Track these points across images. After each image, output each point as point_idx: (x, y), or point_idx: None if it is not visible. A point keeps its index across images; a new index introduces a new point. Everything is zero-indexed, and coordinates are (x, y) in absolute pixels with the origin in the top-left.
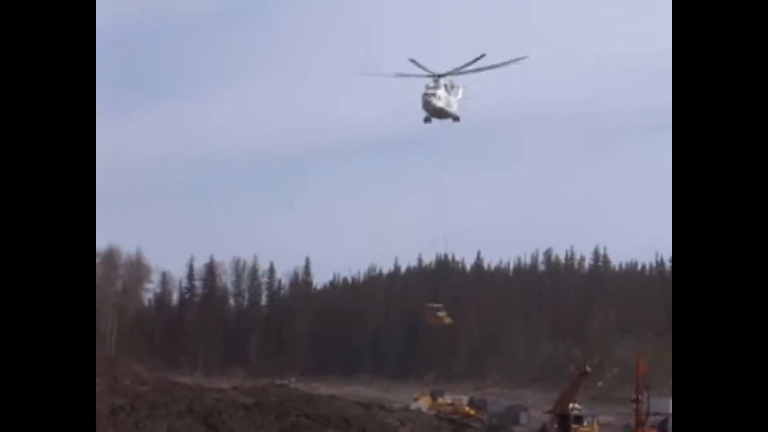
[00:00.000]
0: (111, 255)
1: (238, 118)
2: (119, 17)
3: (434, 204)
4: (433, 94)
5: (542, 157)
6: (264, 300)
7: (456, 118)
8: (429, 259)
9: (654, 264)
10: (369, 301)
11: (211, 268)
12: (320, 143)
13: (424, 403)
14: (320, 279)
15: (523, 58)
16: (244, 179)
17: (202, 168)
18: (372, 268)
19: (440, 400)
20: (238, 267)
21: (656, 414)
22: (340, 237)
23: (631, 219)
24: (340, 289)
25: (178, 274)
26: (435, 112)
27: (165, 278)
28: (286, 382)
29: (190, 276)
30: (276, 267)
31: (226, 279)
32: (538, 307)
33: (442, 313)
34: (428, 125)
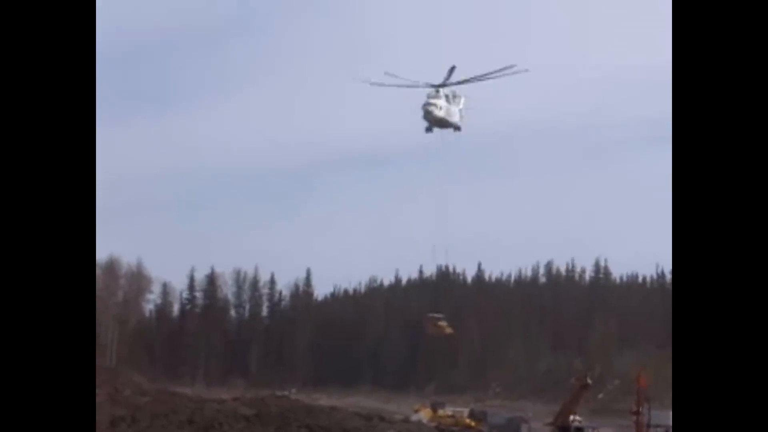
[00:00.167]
0: (112, 266)
1: (238, 129)
2: (119, 30)
3: (435, 215)
4: (434, 104)
5: (543, 168)
6: (265, 311)
7: (457, 128)
8: (430, 270)
9: (655, 276)
10: (370, 312)
11: (212, 279)
12: (321, 155)
13: (424, 415)
14: (321, 290)
15: (524, 70)
16: (246, 190)
17: (204, 179)
18: (373, 280)
19: (441, 411)
20: (239, 278)
21: (657, 426)
22: (341, 248)
23: (631, 231)
24: (340, 300)
25: (179, 285)
26: (436, 122)
27: (166, 289)
28: (286, 393)
29: (191, 287)
30: (277, 278)
31: (227, 290)
32: (539, 319)
33: (443, 323)
34: (430, 136)
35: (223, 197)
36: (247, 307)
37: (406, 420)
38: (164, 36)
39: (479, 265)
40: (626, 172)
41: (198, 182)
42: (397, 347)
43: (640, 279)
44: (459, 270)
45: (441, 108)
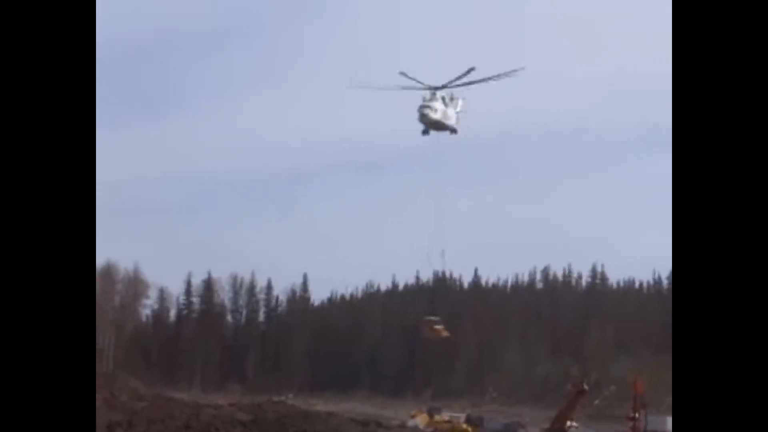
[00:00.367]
0: (109, 271)
1: (236, 133)
2: (118, 33)
3: (432, 220)
4: (429, 107)
5: (540, 173)
6: (261, 316)
7: (453, 131)
8: (427, 276)
9: (652, 282)
10: (366, 318)
11: (208, 285)
12: (318, 159)
13: (421, 420)
14: (318, 295)
15: (520, 69)
16: (243, 195)
17: (201, 184)
18: (370, 285)
19: (437, 417)
20: (235, 283)
21: (653, 431)
22: (338, 254)
23: (628, 236)
24: (337, 305)
25: (176, 290)
26: (432, 125)
27: (163, 294)
28: (283, 398)
29: (188, 292)
30: (274, 283)
31: (224, 295)
32: (536, 325)
33: (439, 326)
34: (426, 140)
35: (220, 202)
36: (244, 312)
37: (403, 426)
38: (162, 40)
39: (476, 270)
40: (624, 176)
41: (195, 187)
42: (394, 353)
43: (636, 285)
44: (456, 275)
45: (437, 111)
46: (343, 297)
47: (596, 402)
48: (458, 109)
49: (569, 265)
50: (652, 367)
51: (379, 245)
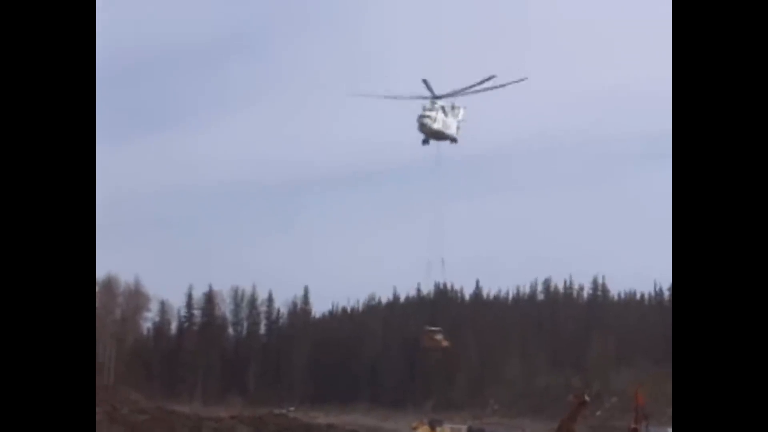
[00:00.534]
0: (110, 284)
1: (237, 147)
2: (118, 49)
3: (433, 232)
4: (428, 116)
5: (541, 184)
6: (263, 329)
7: (454, 140)
8: (428, 288)
9: (653, 293)
10: (368, 330)
11: (209, 297)
12: (319, 171)
13: None
14: (319, 308)
15: (524, 79)
16: (244, 208)
17: (201, 197)
18: (371, 298)
19: (439, 429)
20: (236, 296)
21: None
22: (339, 266)
23: (629, 248)
24: (338, 318)
25: (177, 302)
26: (432, 134)
27: (164, 307)
28: (284, 411)
29: (189, 305)
30: (275, 296)
31: (225, 308)
32: (537, 337)
33: (439, 336)
34: (427, 151)
35: (221, 215)
36: (245, 324)
37: None
38: (162, 54)
39: (477, 282)
40: (625, 188)
41: (196, 200)
42: (395, 365)
43: (638, 296)
44: (457, 287)
45: (436, 120)
46: (344, 309)
47: (598, 413)
48: (460, 118)
49: (570, 277)
50: (653, 378)
51: (380, 257)
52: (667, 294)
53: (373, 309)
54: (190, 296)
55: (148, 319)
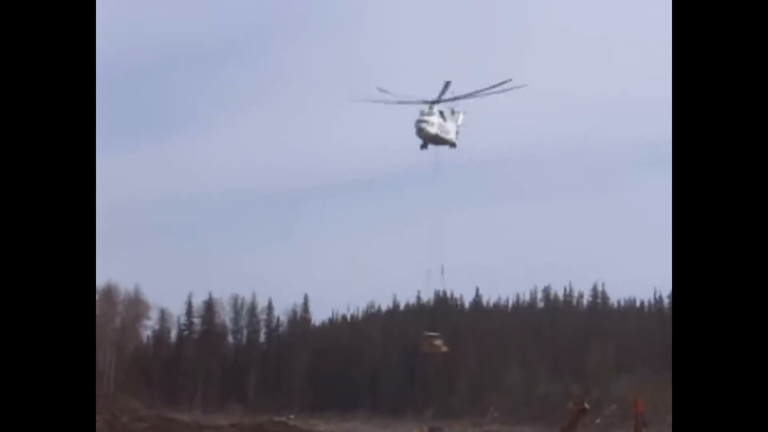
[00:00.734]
0: (109, 292)
1: (236, 154)
2: (118, 56)
3: (433, 240)
4: (426, 121)
5: (540, 192)
6: (262, 337)
7: (452, 144)
8: (428, 296)
9: (653, 301)
10: (367, 338)
11: (209, 305)
12: (319, 178)
13: None
14: (319, 316)
15: (522, 86)
16: (243, 216)
17: (201, 204)
18: (371, 305)
19: None
20: (236, 304)
21: None
22: (339, 274)
23: (629, 255)
24: (338, 326)
25: (177, 310)
26: (429, 139)
27: (163, 315)
28: (284, 419)
29: (189, 313)
30: (274, 304)
31: (225, 316)
32: (537, 344)
33: (438, 342)
34: (426, 158)
35: (221, 222)
36: (245, 332)
37: None
38: (162, 61)
39: (477, 290)
40: (624, 195)
41: (196, 207)
42: (395, 372)
43: (638, 304)
44: (457, 295)
45: (434, 124)
46: (344, 317)
47: (597, 421)
48: (459, 123)
49: (570, 285)
50: (653, 385)
51: (380, 265)
52: (667, 301)
53: (372, 317)
54: (190, 304)
55: (148, 327)
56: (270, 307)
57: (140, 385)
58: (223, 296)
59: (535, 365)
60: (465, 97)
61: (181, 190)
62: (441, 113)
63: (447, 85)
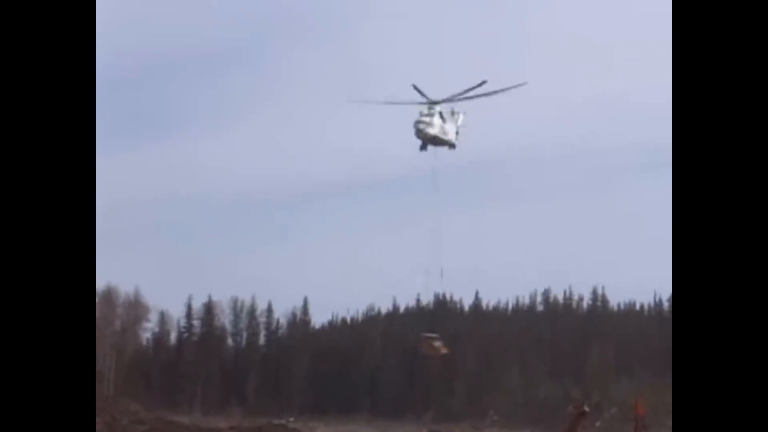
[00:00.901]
0: (109, 294)
1: (236, 156)
2: (119, 57)
3: (433, 243)
4: (425, 122)
5: (540, 194)
6: (262, 339)
7: (452, 146)
8: (427, 299)
9: (652, 304)
10: (367, 340)
11: (209, 308)
12: (319, 181)
13: None
14: (318, 318)
15: (523, 84)
16: (243, 218)
17: (201, 208)
18: (370, 308)
19: None
20: (236, 306)
21: None
22: (339, 277)
23: (629, 258)
24: (338, 328)
25: (177, 313)
26: (429, 140)
27: (163, 318)
28: (284, 421)
29: (189, 315)
30: (274, 306)
31: (225, 318)
32: (537, 347)
33: (438, 343)
34: (425, 161)
35: (221, 225)
36: (245, 335)
37: None
38: (163, 63)
39: (476, 293)
40: (624, 198)
41: (195, 210)
42: (395, 375)
43: (637, 307)
44: (456, 298)
45: (434, 125)
46: (343, 320)
47: (597, 424)
48: (459, 124)
49: (570, 288)
50: (653, 388)
51: (379, 267)
52: (666, 304)
53: (372, 319)
54: (189, 307)
55: (148, 329)
56: (270, 310)
57: (140, 388)
58: (222, 299)
59: (534, 368)
60: (460, 98)
61: (181, 192)
62: (440, 114)
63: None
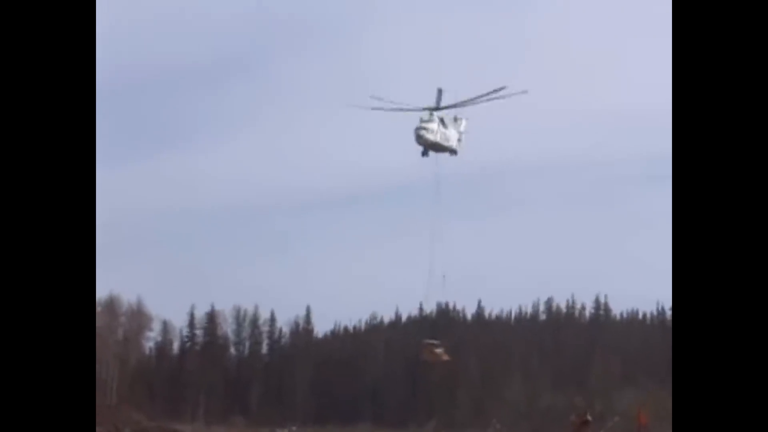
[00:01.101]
0: (112, 304)
1: (237, 167)
2: (118, 70)
3: (435, 251)
4: (425, 128)
5: (543, 204)
6: (265, 348)
7: (453, 152)
8: (430, 308)
9: (655, 313)
10: (370, 349)
11: (211, 317)
12: (321, 191)
13: None
14: (321, 327)
15: (523, 92)
16: (245, 228)
17: (204, 217)
18: (373, 317)
19: None
20: (238, 315)
21: None
22: (341, 286)
23: (632, 267)
24: (341, 337)
25: (179, 322)
26: (429, 146)
27: (166, 327)
28: (286, 430)
29: (191, 324)
30: (277, 315)
31: (227, 327)
32: (540, 356)
33: (439, 350)
34: (427, 169)
35: (223, 234)
36: (247, 344)
37: None
38: (163, 75)
39: (479, 302)
40: (627, 207)
41: (198, 220)
42: (397, 384)
43: (640, 316)
44: (459, 307)
45: (434, 132)
46: (346, 329)
47: None
48: (461, 129)
49: (573, 297)
50: (656, 397)
51: (382, 276)
52: (669, 314)
53: (375, 328)
54: (192, 316)
55: (150, 338)
56: (272, 319)
57: (143, 397)
58: (225, 308)
59: (537, 377)
60: (462, 104)
61: (184, 202)
62: (441, 120)
63: (440, 92)
